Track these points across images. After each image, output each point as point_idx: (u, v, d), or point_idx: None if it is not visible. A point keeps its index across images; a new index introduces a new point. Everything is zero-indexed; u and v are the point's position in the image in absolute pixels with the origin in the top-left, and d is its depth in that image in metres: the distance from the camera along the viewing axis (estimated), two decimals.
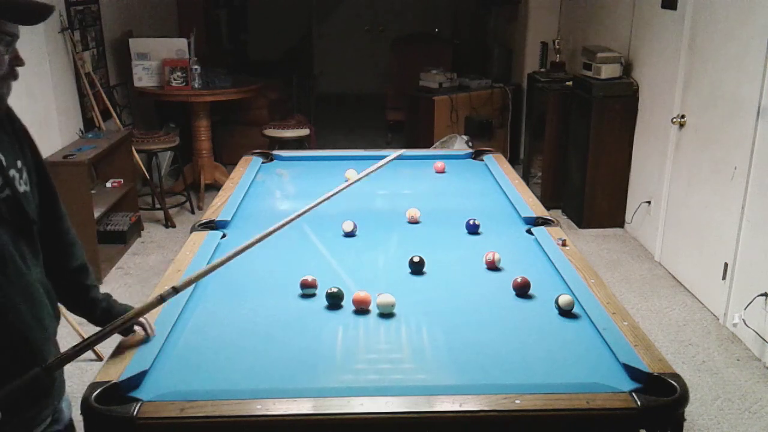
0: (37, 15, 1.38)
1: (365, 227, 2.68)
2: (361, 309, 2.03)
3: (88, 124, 4.94)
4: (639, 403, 1.55)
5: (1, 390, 1.40)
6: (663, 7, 4.46)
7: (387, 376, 1.76)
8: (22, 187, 1.48)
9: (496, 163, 3.51)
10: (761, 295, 3.36)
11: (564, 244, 2.47)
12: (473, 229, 2.66)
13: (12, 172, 1.46)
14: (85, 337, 1.86)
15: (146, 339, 1.80)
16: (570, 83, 5.39)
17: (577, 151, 5.19)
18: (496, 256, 2.33)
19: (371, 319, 2.01)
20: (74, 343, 1.55)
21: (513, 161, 6.20)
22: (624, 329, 1.88)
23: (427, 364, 1.81)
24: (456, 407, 1.55)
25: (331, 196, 1.87)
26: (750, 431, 2.92)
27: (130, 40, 5.52)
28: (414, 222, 2.78)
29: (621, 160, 5.04)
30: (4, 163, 1.45)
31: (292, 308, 2.01)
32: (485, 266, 2.34)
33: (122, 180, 4.87)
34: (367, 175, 1.99)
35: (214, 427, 1.53)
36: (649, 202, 4.73)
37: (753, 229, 3.49)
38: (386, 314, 2.02)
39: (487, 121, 6.44)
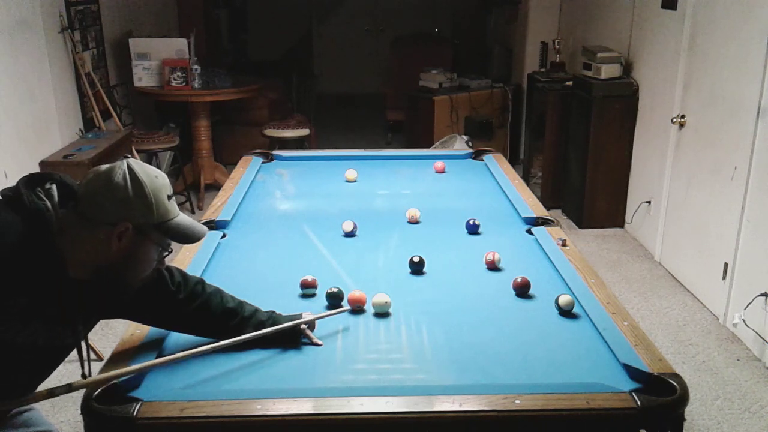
0: (195, 240, 1.66)
1: (365, 227, 2.68)
2: (358, 308, 2.04)
3: (88, 124, 4.94)
4: (639, 403, 1.55)
5: None
6: (663, 7, 4.46)
7: (387, 376, 1.76)
8: (68, 340, 1.64)
9: (496, 163, 3.51)
10: (761, 295, 3.36)
11: (564, 244, 2.47)
12: (473, 229, 2.66)
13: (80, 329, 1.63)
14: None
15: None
16: (570, 83, 5.38)
17: (577, 151, 5.19)
18: (496, 256, 2.33)
19: (371, 319, 2.01)
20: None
21: (513, 161, 6.19)
22: (624, 329, 1.88)
23: (427, 364, 1.81)
24: (456, 407, 1.55)
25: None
26: (750, 431, 2.93)
27: (130, 40, 5.52)
28: (414, 222, 2.78)
29: (621, 160, 5.03)
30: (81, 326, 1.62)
31: (292, 308, 2.00)
32: (485, 266, 2.34)
33: None
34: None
35: (214, 427, 1.53)
36: (649, 202, 4.73)
37: (753, 229, 3.49)
38: (382, 314, 2.02)
39: (487, 121, 6.44)
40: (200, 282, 1.85)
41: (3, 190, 1.52)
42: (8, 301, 1.44)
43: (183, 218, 1.61)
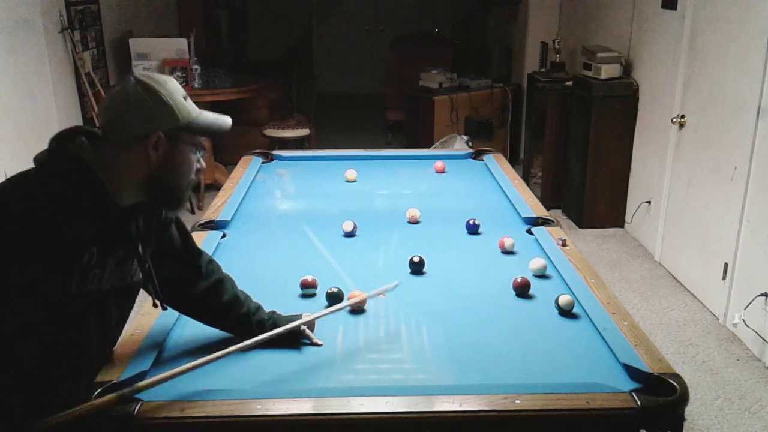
0: (223, 134, 1.70)
1: (365, 227, 2.68)
2: (357, 308, 2.04)
3: (88, 124, 4.94)
4: (639, 403, 1.55)
5: None
6: (663, 7, 4.46)
7: (387, 376, 1.76)
8: (137, 276, 1.71)
9: (496, 163, 3.51)
10: (761, 295, 3.36)
11: (564, 244, 2.47)
12: (473, 229, 2.66)
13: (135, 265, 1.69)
14: None
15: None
16: (570, 83, 5.38)
17: (577, 151, 5.19)
18: (508, 241, 2.38)
19: (371, 319, 2.01)
20: None
21: (513, 161, 6.19)
22: (624, 329, 1.88)
23: (427, 364, 1.81)
24: (456, 407, 1.55)
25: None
26: (750, 431, 2.93)
27: (130, 40, 5.52)
28: (414, 222, 2.78)
29: (621, 160, 5.03)
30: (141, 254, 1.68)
31: (292, 308, 2.00)
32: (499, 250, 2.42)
33: None
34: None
35: (214, 427, 1.53)
36: (649, 202, 4.73)
37: (753, 229, 3.49)
38: (540, 276, 2.24)
39: (487, 121, 6.44)
40: (214, 262, 1.94)
41: (36, 156, 1.56)
42: (82, 257, 1.52)
43: (206, 114, 1.65)
